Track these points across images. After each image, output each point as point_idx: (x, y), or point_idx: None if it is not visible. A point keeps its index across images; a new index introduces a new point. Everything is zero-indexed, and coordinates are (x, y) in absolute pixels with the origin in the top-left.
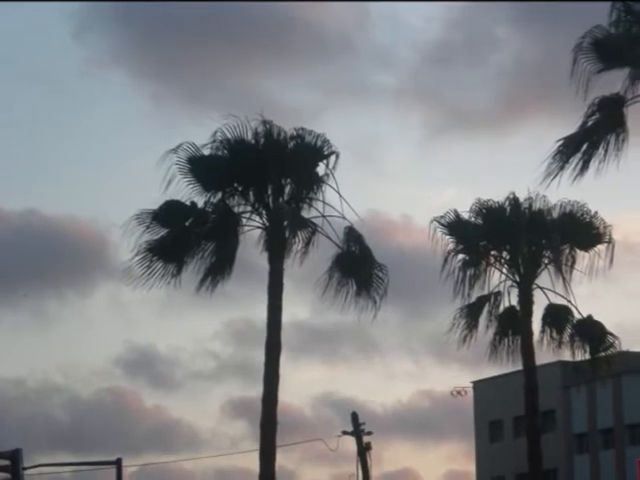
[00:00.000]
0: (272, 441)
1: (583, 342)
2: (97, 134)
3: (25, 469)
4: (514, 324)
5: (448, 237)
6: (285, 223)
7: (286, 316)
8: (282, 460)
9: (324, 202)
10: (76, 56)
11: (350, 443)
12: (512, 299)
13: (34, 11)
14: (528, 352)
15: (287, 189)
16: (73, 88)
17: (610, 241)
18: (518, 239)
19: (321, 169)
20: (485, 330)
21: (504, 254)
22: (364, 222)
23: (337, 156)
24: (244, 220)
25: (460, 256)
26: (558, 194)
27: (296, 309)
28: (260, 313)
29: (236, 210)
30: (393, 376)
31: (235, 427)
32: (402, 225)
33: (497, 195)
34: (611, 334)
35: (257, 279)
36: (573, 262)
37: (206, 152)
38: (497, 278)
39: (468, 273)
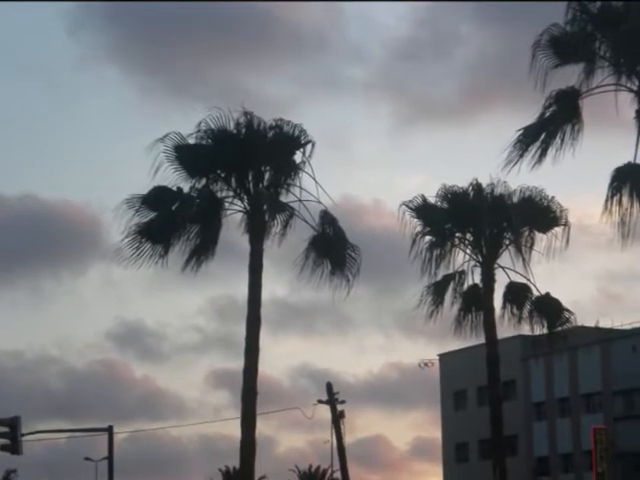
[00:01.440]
0: (252, 409)
1: (541, 318)
2: (91, 124)
3: (23, 435)
4: (477, 301)
5: (416, 220)
6: (265, 207)
7: (266, 293)
8: (262, 427)
9: (301, 187)
10: (71, 52)
11: (325, 411)
12: (475, 278)
13: (32, 10)
14: (490, 327)
15: (266, 175)
16: (68, 81)
17: (566, 224)
18: (481, 222)
19: (298, 157)
20: (450, 306)
21: (468, 236)
22: (338, 206)
23: (313, 145)
24: (227, 204)
25: (427, 238)
26: (518, 180)
27: (275, 287)
28: (241, 291)
29: (219, 195)
30: (365, 349)
31: (218, 396)
32: (373, 209)
33: (461, 181)
34: (567, 310)
35: (239, 259)
36: (532, 243)
37: (191, 141)
38: (461, 258)
39: (434, 253)
